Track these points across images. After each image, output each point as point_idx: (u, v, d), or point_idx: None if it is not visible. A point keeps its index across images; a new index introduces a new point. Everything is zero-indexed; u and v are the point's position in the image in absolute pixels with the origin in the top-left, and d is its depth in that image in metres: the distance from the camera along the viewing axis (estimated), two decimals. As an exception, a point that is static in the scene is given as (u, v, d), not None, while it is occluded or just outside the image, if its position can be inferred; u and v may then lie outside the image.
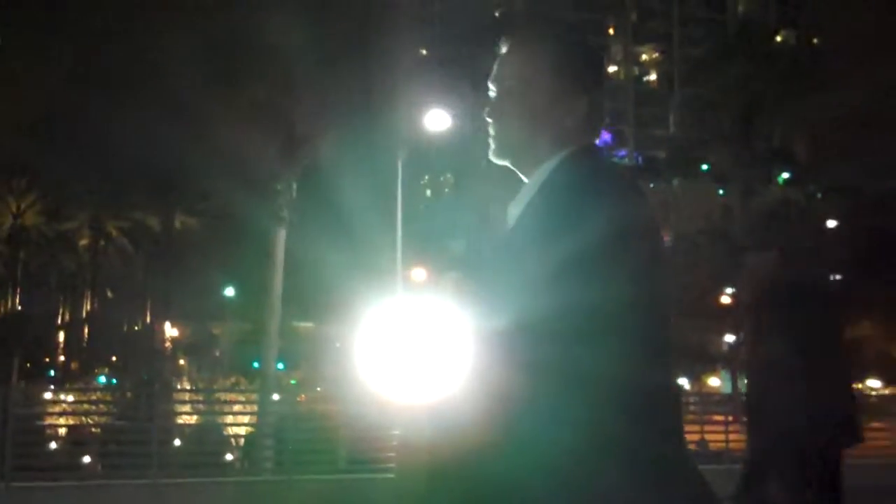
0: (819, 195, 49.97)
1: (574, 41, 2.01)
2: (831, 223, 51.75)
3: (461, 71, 25.70)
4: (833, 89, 30.30)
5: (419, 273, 35.13)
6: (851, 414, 5.43)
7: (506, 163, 2.00)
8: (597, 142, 2.00)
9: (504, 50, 2.01)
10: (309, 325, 45.78)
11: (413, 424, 3.44)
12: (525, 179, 1.98)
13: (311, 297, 36.96)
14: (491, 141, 2.00)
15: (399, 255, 25.09)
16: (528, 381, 1.76)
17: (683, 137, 28.16)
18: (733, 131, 24.88)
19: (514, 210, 1.95)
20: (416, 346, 3.39)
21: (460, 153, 29.84)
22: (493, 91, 2.00)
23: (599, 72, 2.03)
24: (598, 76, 2.01)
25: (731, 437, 23.33)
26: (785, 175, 30.99)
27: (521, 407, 1.77)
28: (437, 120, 23.49)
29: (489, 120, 2.00)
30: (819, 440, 5.05)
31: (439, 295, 3.64)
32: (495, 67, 2.01)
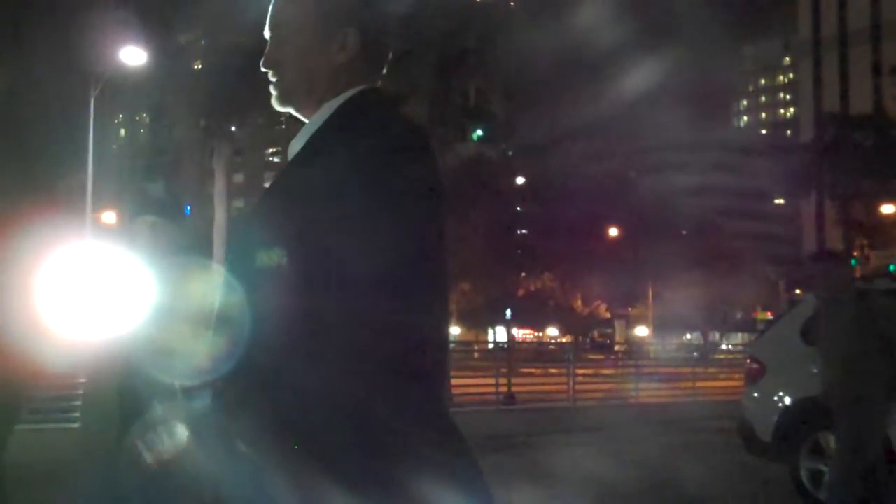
0: (510, 153, 52.36)
1: None
2: (520, 179, 54.45)
3: (159, 6, 24.68)
4: (525, 52, 31.72)
5: (110, 216, 33.78)
6: None
7: (289, 109, 1.96)
8: (377, 81, 1.98)
9: None
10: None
11: (102, 365, 3.36)
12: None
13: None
14: (272, 89, 1.95)
15: (89, 196, 24.00)
16: (286, 322, 1.67)
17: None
18: (431, 86, 25.49)
19: (295, 145, 1.89)
20: (103, 287, 3.30)
21: (158, 92, 28.73)
22: (269, 39, 1.96)
23: (366, 3, 1.96)
24: (366, 6, 1.95)
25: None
26: (479, 132, 32.07)
27: (271, 346, 1.68)
28: (133, 56, 22.50)
29: (268, 69, 1.95)
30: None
31: (132, 238, 3.55)
32: (268, 16, 1.97)
